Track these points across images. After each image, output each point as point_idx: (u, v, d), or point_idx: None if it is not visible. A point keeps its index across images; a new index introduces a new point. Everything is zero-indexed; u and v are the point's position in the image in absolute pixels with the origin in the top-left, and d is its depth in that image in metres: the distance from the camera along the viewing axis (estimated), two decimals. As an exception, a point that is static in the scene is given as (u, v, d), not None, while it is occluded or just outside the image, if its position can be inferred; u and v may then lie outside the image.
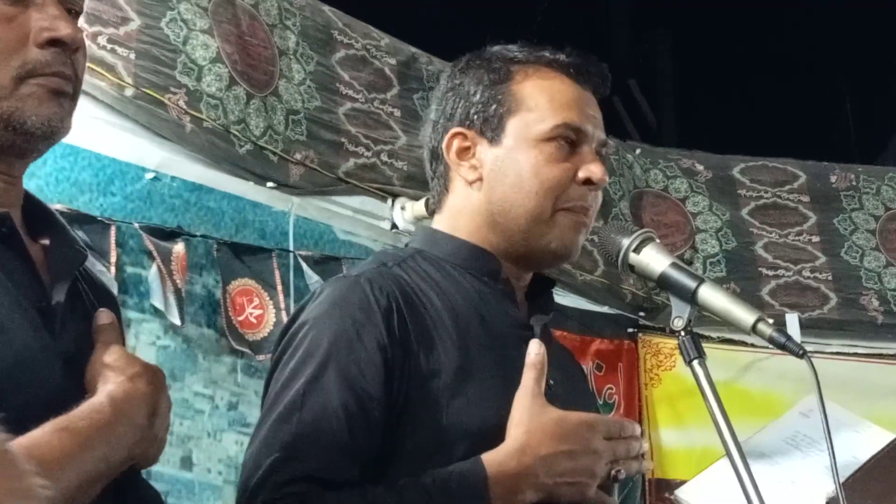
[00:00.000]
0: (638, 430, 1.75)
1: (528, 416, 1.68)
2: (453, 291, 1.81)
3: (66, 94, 1.42)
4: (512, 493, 1.63)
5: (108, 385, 1.32)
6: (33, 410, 1.25)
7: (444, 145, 1.89)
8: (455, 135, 1.88)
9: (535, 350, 1.73)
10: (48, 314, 1.37)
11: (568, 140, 1.83)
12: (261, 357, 3.60)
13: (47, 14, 1.40)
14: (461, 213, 1.88)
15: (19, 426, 1.20)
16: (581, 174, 1.82)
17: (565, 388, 1.85)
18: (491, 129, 1.85)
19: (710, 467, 1.90)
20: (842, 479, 1.78)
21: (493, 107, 1.85)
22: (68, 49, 1.41)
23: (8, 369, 1.27)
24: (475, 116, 1.86)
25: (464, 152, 1.87)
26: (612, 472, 1.70)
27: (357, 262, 3.99)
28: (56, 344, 1.36)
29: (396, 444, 1.67)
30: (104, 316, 1.44)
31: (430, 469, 1.64)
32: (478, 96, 1.87)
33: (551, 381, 1.79)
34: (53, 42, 1.39)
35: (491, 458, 1.64)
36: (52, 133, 1.41)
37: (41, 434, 1.22)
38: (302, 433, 1.62)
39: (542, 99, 1.84)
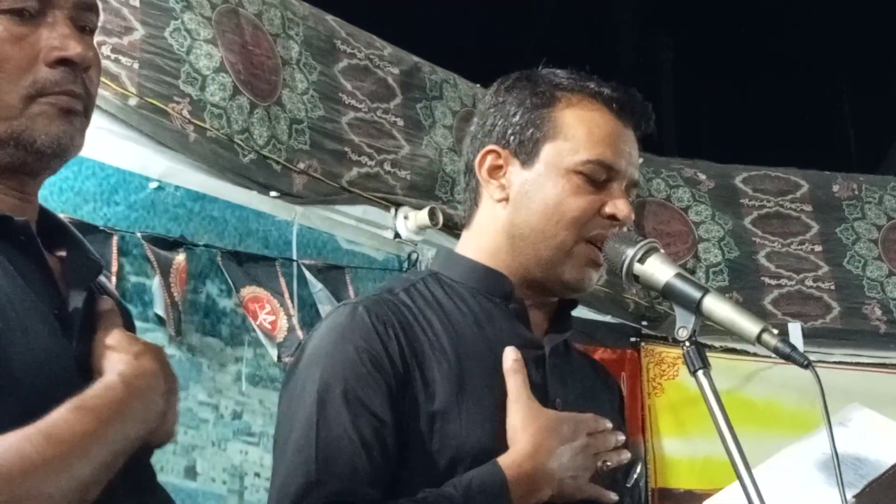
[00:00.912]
0: (606, 423, 1.80)
1: (530, 419, 1.72)
2: (457, 315, 1.82)
3: (77, 113, 1.43)
4: (531, 493, 1.69)
5: (117, 364, 1.35)
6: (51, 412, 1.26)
7: (476, 161, 1.89)
8: (489, 152, 1.88)
9: (511, 356, 1.77)
10: (66, 320, 1.39)
11: (598, 176, 1.83)
12: (285, 359, 3.62)
13: (58, 33, 1.41)
14: (485, 231, 1.89)
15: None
16: (607, 209, 1.82)
17: (578, 406, 1.85)
18: (525, 151, 1.85)
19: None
20: (862, 487, 1.78)
21: (531, 130, 1.85)
22: (78, 68, 1.41)
23: (28, 371, 1.29)
24: (511, 137, 1.87)
25: (495, 170, 1.87)
26: (600, 465, 1.77)
27: (360, 271, 4.01)
28: (74, 349, 1.38)
29: (402, 466, 1.70)
30: (105, 303, 1.46)
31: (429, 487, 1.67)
32: (517, 117, 1.87)
33: (558, 401, 1.82)
34: (63, 61, 1.40)
35: (507, 461, 1.68)
36: (62, 151, 1.42)
37: (59, 415, 1.24)
38: (320, 459, 1.65)
39: (580, 130, 1.84)
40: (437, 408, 1.71)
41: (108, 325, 1.43)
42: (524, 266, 1.85)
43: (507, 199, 1.86)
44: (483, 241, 1.89)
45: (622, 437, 1.82)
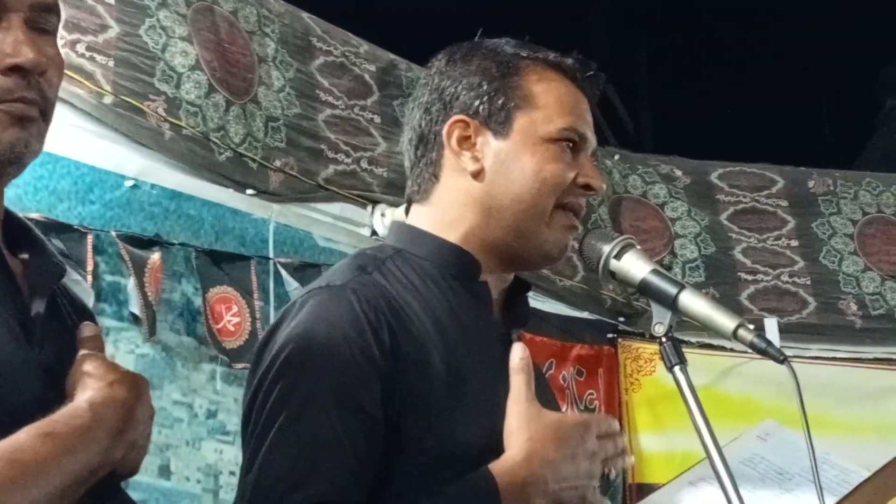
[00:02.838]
0: (617, 425, 1.75)
1: (527, 423, 1.66)
2: (433, 299, 1.75)
3: (32, 119, 1.40)
4: (522, 503, 1.62)
5: (87, 391, 1.33)
6: (14, 419, 1.26)
7: (444, 131, 1.83)
8: (457, 122, 1.83)
9: (519, 354, 1.71)
10: (28, 326, 1.37)
11: (571, 143, 1.82)
12: (238, 365, 3.59)
13: (11, 39, 1.38)
14: (452, 205, 1.83)
15: (2, 433, 1.23)
16: (582, 179, 1.81)
17: (539, 396, 1.79)
18: (497, 121, 1.81)
19: (671, 482, 1.91)
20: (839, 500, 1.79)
21: (501, 100, 1.81)
22: (32, 74, 1.39)
23: None
24: (481, 107, 1.82)
25: (464, 141, 1.82)
26: (607, 471, 1.71)
27: (337, 269, 3.98)
28: (36, 355, 1.37)
29: (391, 465, 1.62)
30: (88, 329, 1.45)
31: (424, 488, 1.61)
32: (485, 87, 1.82)
33: None
34: (15, 68, 1.38)
35: (499, 469, 1.62)
36: (16, 158, 1.39)
37: (24, 438, 1.23)
38: (305, 458, 1.57)
39: (550, 99, 1.82)
40: (434, 400, 1.65)
41: (90, 349, 1.41)
42: (499, 238, 1.81)
43: (481, 171, 1.81)
44: (449, 215, 1.83)
45: (626, 441, 1.78)
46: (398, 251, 1.82)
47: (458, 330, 1.75)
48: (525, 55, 1.86)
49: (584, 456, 1.66)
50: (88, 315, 1.58)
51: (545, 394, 1.89)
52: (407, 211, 1.97)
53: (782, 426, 2.06)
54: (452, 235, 1.82)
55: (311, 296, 1.70)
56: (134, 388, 1.37)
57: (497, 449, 1.65)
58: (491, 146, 1.82)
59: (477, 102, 1.83)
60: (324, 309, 1.66)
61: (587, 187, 1.82)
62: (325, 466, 1.57)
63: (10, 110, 1.38)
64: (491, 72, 1.84)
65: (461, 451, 1.65)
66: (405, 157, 1.94)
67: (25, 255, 1.46)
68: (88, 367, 1.37)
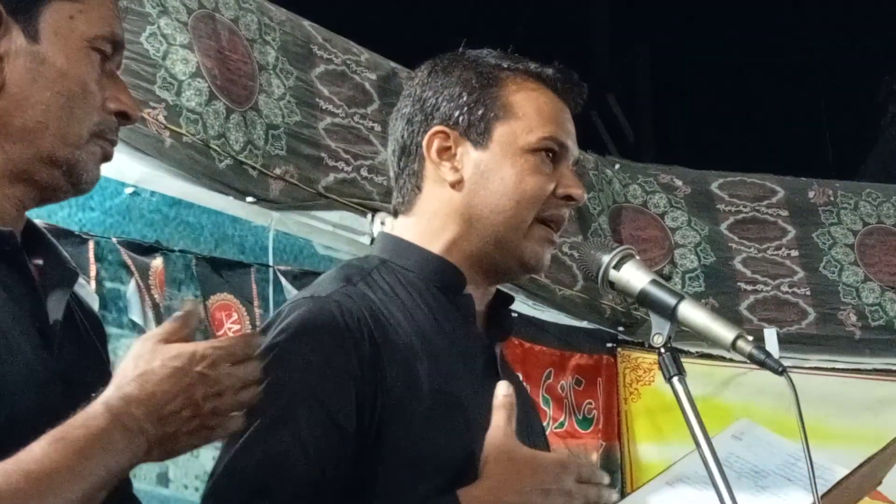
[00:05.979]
0: (607, 478, 1.71)
1: (501, 453, 1.64)
2: (418, 310, 1.76)
3: (109, 160, 1.52)
4: None
5: (108, 389, 1.30)
6: (35, 428, 1.25)
7: (424, 143, 1.85)
8: (437, 133, 1.84)
9: (503, 392, 1.69)
10: (47, 333, 1.39)
11: (551, 154, 1.83)
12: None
13: (121, 87, 1.51)
14: (435, 216, 1.84)
15: (22, 443, 1.22)
16: (562, 190, 1.82)
17: (518, 423, 1.76)
18: (476, 132, 1.83)
19: (647, 483, 1.91)
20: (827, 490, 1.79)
21: (481, 111, 1.83)
22: (128, 122, 1.52)
23: (12, 387, 1.29)
24: (461, 118, 1.83)
25: (444, 152, 1.84)
26: None
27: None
28: (55, 362, 1.38)
29: (367, 477, 1.63)
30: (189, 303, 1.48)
31: (400, 498, 1.61)
32: (465, 98, 1.84)
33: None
34: (123, 114, 1.50)
35: (467, 494, 1.60)
36: (85, 192, 1.51)
37: (38, 447, 1.22)
38: (270, 467, 1.58)
39: (530, 109, 1.83)
40: (418, 412, 1.65)
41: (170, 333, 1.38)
42: (481, 249, 1.82)
43: (461, 182, 1.82)
44: (433, 226, 1.84)
45: (615, 497, 1.72)
46: (383, 262, 1.83)
47: (442, 342, 1.75)
48: (506, 66, 1.87)
49: (559, 493, 1.62)
50: (97, 319, 1.62)
51: (527, 410, 1.88)
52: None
53: (756, 424, 2.07)
54: (436, 246, 1.83)
55: (295, 306, 1.72)
56: (160, 383, 1.30)
57: (475, 465, 1.64)
58: (471, 156, 1.83)
59: (457, 113, 1.84)
60: (305, 320, 1.68)
61: (568, 198, 1.84)
62: (291, 478, 1.58)
63: (104, 148, 1.50)
64: (471, 83, 1.85)
65: (441, 463, 1.65)
66: (389, 169, 1.95)
67: (40, 261, 1.48)
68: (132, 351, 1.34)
